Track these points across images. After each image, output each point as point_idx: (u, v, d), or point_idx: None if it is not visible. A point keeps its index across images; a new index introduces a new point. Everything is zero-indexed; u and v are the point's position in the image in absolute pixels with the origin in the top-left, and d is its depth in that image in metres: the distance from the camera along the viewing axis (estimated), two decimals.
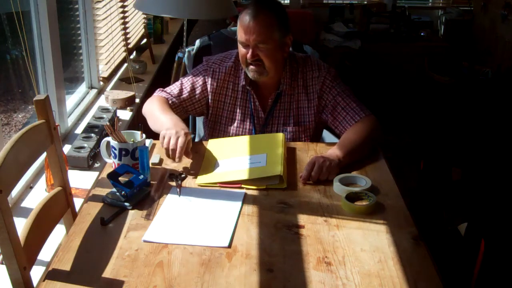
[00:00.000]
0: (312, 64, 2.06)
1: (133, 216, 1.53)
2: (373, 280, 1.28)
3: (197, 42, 2.40)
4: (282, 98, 2.05)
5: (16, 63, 2.41)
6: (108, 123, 1.94)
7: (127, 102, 2.79)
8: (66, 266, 1.32)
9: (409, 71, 4.90)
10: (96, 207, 1.57)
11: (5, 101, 2.56)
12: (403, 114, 4.65)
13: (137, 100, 2.89)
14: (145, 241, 1.41)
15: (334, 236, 1.44)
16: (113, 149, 1.73)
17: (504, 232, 2.39)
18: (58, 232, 1.70)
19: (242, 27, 1.91)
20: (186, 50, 2.42)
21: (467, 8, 5.29)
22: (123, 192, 1.56)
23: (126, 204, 1.56)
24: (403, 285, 1.27)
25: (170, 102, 2.02)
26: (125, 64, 3.35)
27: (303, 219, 1.52)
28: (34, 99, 1.51)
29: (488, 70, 4.57)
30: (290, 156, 1.88)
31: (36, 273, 1.53)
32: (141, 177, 1.62)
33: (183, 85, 2.07)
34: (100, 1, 2.89)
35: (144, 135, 1.79)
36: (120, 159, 1.71)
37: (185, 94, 2.05)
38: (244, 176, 1.70)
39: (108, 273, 1.29)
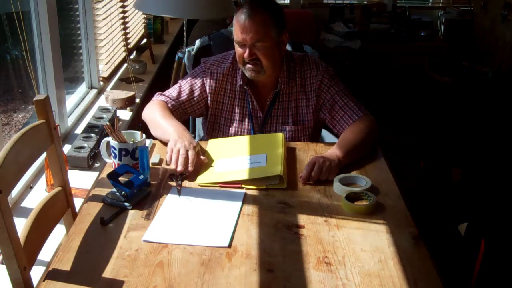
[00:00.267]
0: (310, 63, 2.06)
1: (133, 216, 1.53)
2: (373, 280, 1.28)
3: (197, 42, 2.40)
4: (280, 98, 2.05)
5: (16, 63, 2.41)
6: (108, 123, 1.94)
7: (127, 102, 2.79)
8: (66, 266, 1.32)
9: (409, 71, 4.90)
10: (96, 207, 1.57)
11: (5, 101, 2.56)
12: (403, 114, 4.65)
13: (137, 100, 2.89)
14: (145, 241, 1.41)
15: (334, 236, 1.44)
16: (113, 149, 1.73)
17: (504, 232, 2.39)
18: (58, 232, 1.70)
19: (238, 27, 1.91)
20: (186, 50, 2.42)
21: (467, 8, 5.29)
22: (123, 192, 1.56)
23: (126, 204, 1.56)
24: (403, 285, 1.27)
25: (169, 105, 2.02)
26: (125, 64, 3.35)
27: (303, 219, 1.52)
28: (34, 99, 1.51)
29: (488, 70, 4.57)
30: (290, 156, 1.88)
31: (36, 273, 1.53)
32: (141, 177, 1.62)
33: (182, 87, 2.07)
34: (100, 1, 2.89)
35: (144, 135, 1.79)
36: (120, 159, 1.71)
37: (184, 96, 2.05)
38: (244, 176, 1.70)
39: (108, 273, 1.29)
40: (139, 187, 1.60)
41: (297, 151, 1.93)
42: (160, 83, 3.50)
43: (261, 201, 1.61)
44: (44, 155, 1.85)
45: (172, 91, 2.06)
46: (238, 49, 1.96)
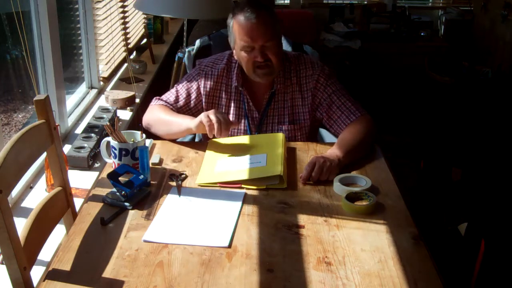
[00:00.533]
0: (305, 62, 2.05)
1: (133, 216, 1.53)
2: (373, 280, 1.28)
3: (197, 42, 2.40)
4: (276, 97, 2.04)
5: (16, 63, 2.41)
6: (108, 123, 1.94)
7: (127, 102, 2.79)
8: (66, 266, 1.32)
9: (409, 71, 4.89)
10: (96, 207, 1.57)
11: (5, 101, 2.56)
12: (403, 114, 4.65)
13: (137, 100, 2.89)
14: (145, 241, 1.41)
15: (334, 236, 1.44)
16: (113, 149, 1.73)
17: (504, 232, 2.39)
18: (58, 232, 1.70)
19: (244, 31, 1.88)
20: (186, 50, 2.42)
21: (467, 8, 5.29)
22: (123, 192, 1.56)
23: (126, 204, 1.56)
24: (403, 285, 1.27)
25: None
26: (125, 64, 3.35)
27: (303, 219, 1.52)
28: (34, 99, 1.51)
29: (488, 70, 4.57)
30: (290, 156, 1.88)
31: (36, 273, 1.53)
32: (141, 177, 1.62)
33: (179, 92, 2.07)
34: (100, 1, 2.89)
35: (144, 135, 1.79)
36: (120, 159, 1.71)
37: (182, 101, 2.06)
38: (244, 176, 1.70)
39: (108, 273, 1.29)
40: (139, 187, 1.60)
41: (297, 151, 1.93)
42: (160, 83, 3.51)
43: (261, 201, 1.61)
44: (44, 155, 1.85)
45: (170, 96, 2.06)
46: (244, 55, 1.92)
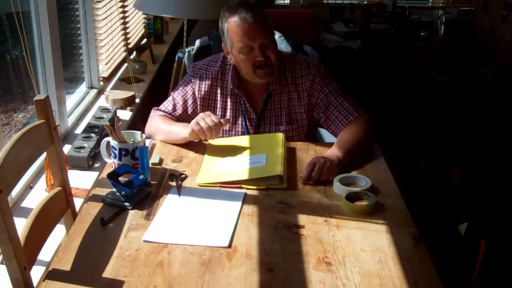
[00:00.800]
0: (300, 62, 2.04)
1: (133, 216, 1.53)
2: (373, 280, 1.28)
3: (197, 42, 2.40)
4: (273, 98, 2.04)
5: (16, 63, 2.41)
6: (108, 123, 1.94)
7: (127, 102, 2.79)
8: (66, 266, 1.32)
9: (409, 71, 4.89)
10: (96, 207, 1.57)
11: (5, 101, 2.56)
12: (403, 114, 4.65)
13: (137, 100, 2.89)
14: (145, 241, 1.41)
15: (334, 236, 1.44)
16: (113, 149, 1.73)
17: (504, 232, 2.39)
18: (58, 232, 1.70)
19: (243, 31, 1.88)
20: (186, 50, 2.42)
21: (467, 8, 5.29)
22: (123, 192, 1.56)
23: (126, 204, 1.56)
24: (403, 285, 1.27)
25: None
26: (125, 64, 3.35)
27: (303, 219, 1.52)
28: (34, 99, 1.51)
29: (488, 70, 4.57)
30: (290, 156, 1.88)
31: (36, 273, 1.53)
32: (141, 177, 1.62)
33: (175, 100, 2.07)
34: (100, 1, 2.89)
35: (144, 135, 1.79)
36: (120, 159, 1.71)
37: (179, 109, 2.06)
38: (244, 176, 1.70)
39: (108, 273, 1.29)
40: (139, 187, 1.60)
41: (297, 151, 1.93)
42: (160, 83, 3.51)
43: (261, 201, 1.61)
44: (44, 155, 1.85)
45: (167, 105, 2.07)
46: (243, 57, 1.92)
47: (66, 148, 2.20)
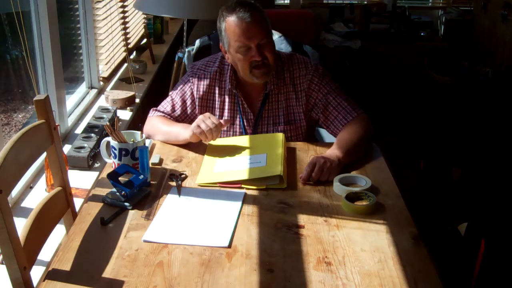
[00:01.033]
0: (298, 62, 2.04)
1: (133, 216, 1.53)
2: (373, 280, 1.28)
3: (197, 42, 2.40)
4: (270, 98, 2.04)
5: (16, 63, 2.41)
6: (108, 123, 1.94)
7: (127, 102, 2.79)
8: (66, 266, 1.32)
9: (409, 71, 4.89)
10: (96, 207, 1.57)
11: (5, 101, 2.56)
12: (403, 114, 4.65)
13: (137, 100, 2.89)
14: (145, 241, 1.41)
15: (334, 236, 1.44)
16: (113, 149, 1.73)
17: (504, 232, 2.38)
18: (58, 232, 1.70)
19: (240, 31, 1.87)
20: (186, 50, 2.42)
21: (467, 8, 5.29)
22: (123, 192, 1.56)
23: (126, 204, 1.56)
24: (403, 285, 1.27)
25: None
26: (125, 64, 3.35)
27: (303, 219, 1.52)
28: (34, 99, 1.51)
29: (488, 70, 4.56)
30: (290, 156, 1.88)
31: (36, 273, 1.53)
32: (141, 177, 1.62)
33: (174, 100, 2.07)
34: (100, 1, 2.89)
35: (144, 135, 1.79)
36: (120, 159, 1.71)
37: (178, 109, 2.06)
38: (244, 176, 1.70)
39: (108, 273, 1.29)
40: (139, 187, 1.60)
41: (297, 151, 1.93)
42: (160, 83, 3.51)
43: (261, 201, 1.61)
44: (44, 155, 1.85)
45: (166, 106, 2.07)
46: (240, 57, 1.91)
47: (66, 148, 2.20)
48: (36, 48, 2.24)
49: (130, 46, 3.47)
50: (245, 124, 2.05)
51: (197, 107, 2.05)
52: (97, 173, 2.08)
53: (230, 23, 1.90)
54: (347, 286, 1.26)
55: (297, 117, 2.04)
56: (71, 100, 2.71)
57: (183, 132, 1.89)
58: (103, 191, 1.63)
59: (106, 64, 3.05)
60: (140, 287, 1.25)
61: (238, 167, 1.76)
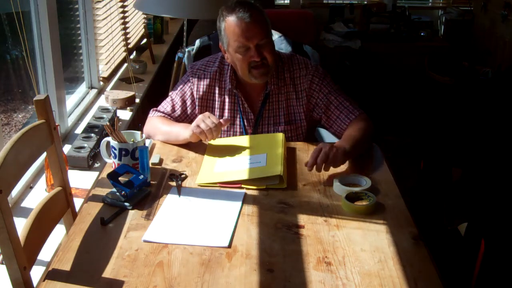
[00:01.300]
0: (298, 62, 2.04)
1: (133, 216, 1.53)
2: (373, 280, 1.28)
3: (197, 42, 2.40)
4: (271, 98, 2.04)
5: (16, 63, 2.41)
6: (108, 123, 1.94)
7: (127, 102, 2.79)
8: (66, 266, 1.32)
9: (409, 71, 4.90)
10: (96, 207, 1.57)
11: (5, 101, 2.56)
12: (403, 114, 4.65)
13: (137, 100, 2.89)
14: (145, 241, 1.41)
15: (334, 236, 1.44)
16: (113, 149, 1.73)
17: (504, 232, 2.38)
18: (58, 232, 1.70)
19: (240, 30, 1.87)
20: (186, 50, 2.42)
21: (467, 8, 5.29)
22: (123, 192, 1.56)
23: (126, 204, 1.56)
24: (403, 285, 1.27)
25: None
26: (125, 64, 3.35)
27: (303, 219, 1.52)
28: (34, 99, 1.51)
29: (488, 70, 4.56)
30: (290, 156, 1.88)
31: (36, 273, 1.53)
32: (141, 177, 1.62)
33: (174, 100, 2.07)
34: (100, 1, 2.89)
35: (144, 135, 1.79)
36: (120, 159, 1.71)
37: (178, 110, 2.06)
38: (244, 176, 1.70)
39: (108, 273, 1.29)
40: (139, 187, 1.60)
41: (297, 151, 1.93)
42: (160, 83, 3.51)
43: (261, 201, 1.61)
44: (44, 155, 1.85)
45: (166, 106, 2.07)
46: (239, 57, 1.91)
47: (66, 148, 2.20)
48: (36, 48, 2.24)
49: (130, 46, 3.47)
50: (245, 124, 2.05)
51: (197, 107, 2.05)
52: (97, 173, 2.08)
53: (229, 23, 1.90)
54: (347, 286, 1.26)
55: (297, 117, 2.04)
56: (71, 100, 2.71)
57: (183, 132, 1.89)
58: (103, 191, 1.63)
59: (106, 64, 3.05)
60: (140, 287, 1.25)
61: (238, 167, 1.76)
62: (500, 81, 4.33)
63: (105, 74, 3.04)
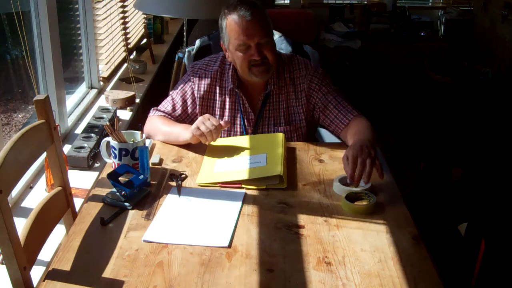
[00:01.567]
0: (298, 63, 2.05)
1: (133, 216, 1.53)
2: (373, 280, 1.28)
3: (197, 42, 2.40)
4: (271, 98, 2.04)
5: (16, 63, 2.41)
6: (108, 123, 1.94)
7: (127, 102, 2.79)
8: (66, 266, 1.32)
9: (409, 71, 4.90)
10: (96, 207, 1.57)
11: (5, 101, 2.56)
12: (403, 114, 4.65)
13: (137, 100, 2.89)
14: (145, 241, 1.41)
15: (334, 236, 1.44)
16: (113, 149, 1.73)
17: (504, 232, 2.38)
18: (58, 232, 1.70)
19: (240, 29, 1.88)
20: (186, 50, 2.42)
21: (467, 8, 5.29)
22: (123, 192, 1.56)
23: (126, 204, 1.56)
24: (403, 285, 1.27)
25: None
26: (125, 64, 3.35)
27: (303, 219, 1.52)
28: (34, 99, 1.51)
29: (488, 70, 4.57)
30: (290, 156, 1.88)
31: (36, 273, 1.53)
32: (141, 177, 1.62)
33: (174, 100, 2.07)
34: (100, 1, 2.89)
35: (144, 135, 1.79)
36: (120, 159, 1.71)
37: (178, 109, 2.06)
38: (244, 176, 1.70)
39: (108, 273, 1.29)
40: (139, 187, 1.60)
41: (297, 151, 1.93)
42: (160, 83, 3.51)
43: (261, 201, 1.61)
44: (44, 155, 1.85)
45: (167, 105, 2.07)
46: (240, 55, 1.91)
47: (66, 148, 2.20)
48: (36, 48, 2.24)
49: (130, 46, 3.47)
50: (246, 124, 2.05)
51: (197, 106, 2.05)
52: (97, 173, 2.08)
53: (230, 21, 1.90)
54: (347, 286, 1.26)
55: (297, 117, 2.04)
56: (71, 100, 2.71)
57: (183, 133, 1.89)
58: (103, 191, 1.63)
59: (106, 64, 3.05)
60: (140, 287, 1.25)
61: (238, 167, 1.76)
62: (500, 81, 4.33)
63: (105, 74, 3.04)
